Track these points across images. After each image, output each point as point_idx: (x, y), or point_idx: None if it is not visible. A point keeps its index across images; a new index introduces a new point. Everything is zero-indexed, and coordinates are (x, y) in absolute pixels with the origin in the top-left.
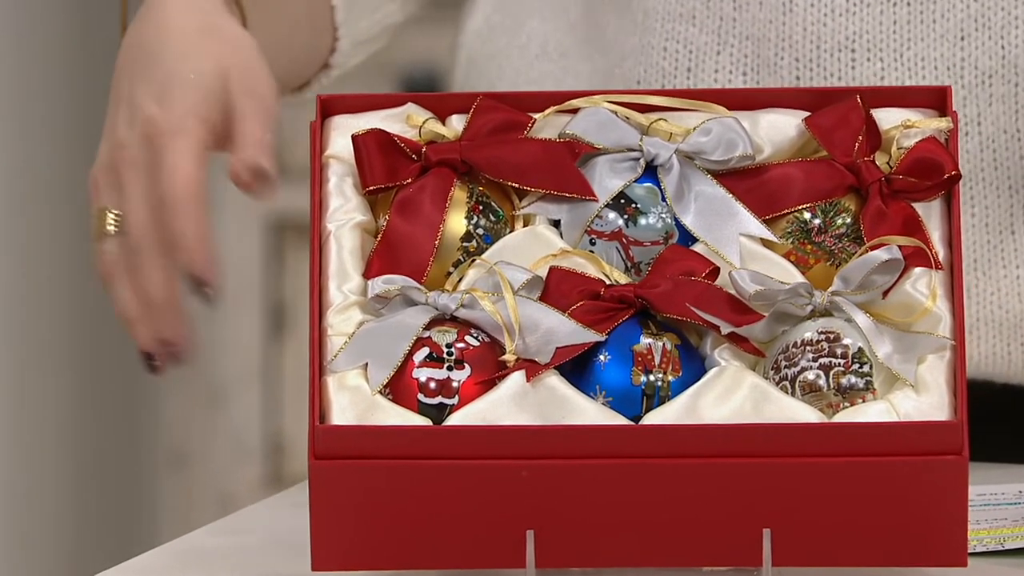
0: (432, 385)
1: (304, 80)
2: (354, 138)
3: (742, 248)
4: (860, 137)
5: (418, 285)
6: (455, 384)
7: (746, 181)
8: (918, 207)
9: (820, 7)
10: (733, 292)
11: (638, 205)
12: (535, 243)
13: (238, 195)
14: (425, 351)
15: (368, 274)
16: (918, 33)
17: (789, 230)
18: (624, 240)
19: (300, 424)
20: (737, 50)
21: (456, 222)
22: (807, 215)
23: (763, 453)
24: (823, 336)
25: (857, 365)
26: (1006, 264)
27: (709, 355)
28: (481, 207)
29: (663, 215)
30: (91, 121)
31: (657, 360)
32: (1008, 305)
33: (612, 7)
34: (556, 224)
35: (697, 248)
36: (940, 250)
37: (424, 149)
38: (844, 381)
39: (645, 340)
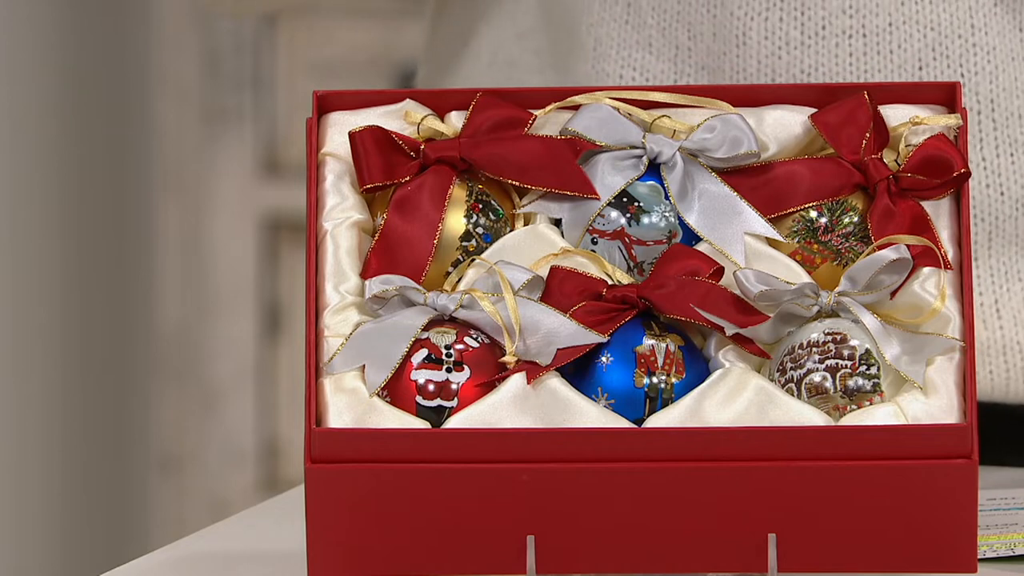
0: (431, 387)
1: None
2: (351, 135)
3: (747, 247)
4: (867, 134)
5: (416, 285)
6: (454, 386)
7: (751, 179)
8: (927, 205)
9: (774, 40)
10: (738, 292)
11: (641, 204)
12: (536, 242)
13: (231, 192)
14: (423, 353)
15: (365, 274)
16: (875, 64)
17: (795, 229)
18: (627, 239)
19: (295, 427)
20: (693, 80)
21: (455, 221)
22: (813, 214)
23: (768, 457)
24: (830, 337)
25: (864, 367)
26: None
27: (713, 357)
28: (481, 206)
29: (666, 214)
30: (85, 120)
31: (660, 362)
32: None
33: (561, 27)
34: (557, 223)
35: (701, 247)
36: (949, 249)
37: (422, 146)
38: (851, 383)
39: (648, 341)
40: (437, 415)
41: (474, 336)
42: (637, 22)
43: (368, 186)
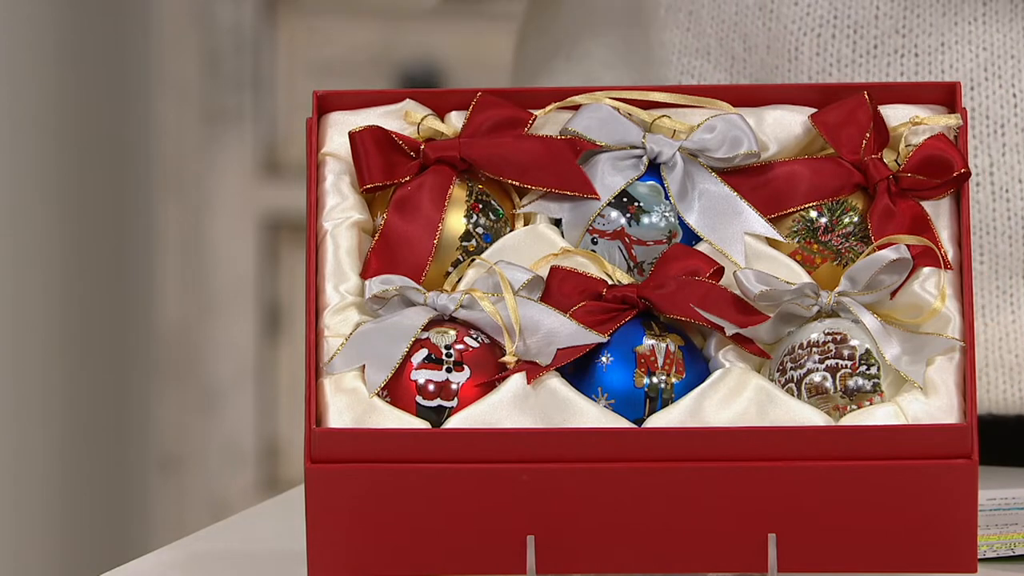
0: (431, 387)
1: None
2: (351, 135)
3: (747, 247)
4: (867, 134)
5: (416, 285)
6: (454, 386)
7: (751, 179)
8: (927, 205)
9: (825, 56)
10: (738, 292)
11: (641, 204)
12: (536, 242)
13: (231, 192)
14: (423, 353)
15: (365, 274)
16: None
17: (795, 229)
18: (627, 239)
19: (295, 427)
20: None
21: (455, 221)
22: (813, 214)
23: (768, 457)
24: (830, 337)
25: (864, 367)
26: (1015, 309)
27: (713, 357)
28: (481, 206)
29: (666, 214)
30: (85, 120)
31: (660, 362)
32: (1017, 349)
33: (635, 25)
34: (557, 223)
35: (701, 247)
36: (949, 249)
37: (422, 146)
38: (851, 383)
39: (648, 341)
40: (437, 415)
41: (474, 336)
42: (697, 30)
43: (368, 186)
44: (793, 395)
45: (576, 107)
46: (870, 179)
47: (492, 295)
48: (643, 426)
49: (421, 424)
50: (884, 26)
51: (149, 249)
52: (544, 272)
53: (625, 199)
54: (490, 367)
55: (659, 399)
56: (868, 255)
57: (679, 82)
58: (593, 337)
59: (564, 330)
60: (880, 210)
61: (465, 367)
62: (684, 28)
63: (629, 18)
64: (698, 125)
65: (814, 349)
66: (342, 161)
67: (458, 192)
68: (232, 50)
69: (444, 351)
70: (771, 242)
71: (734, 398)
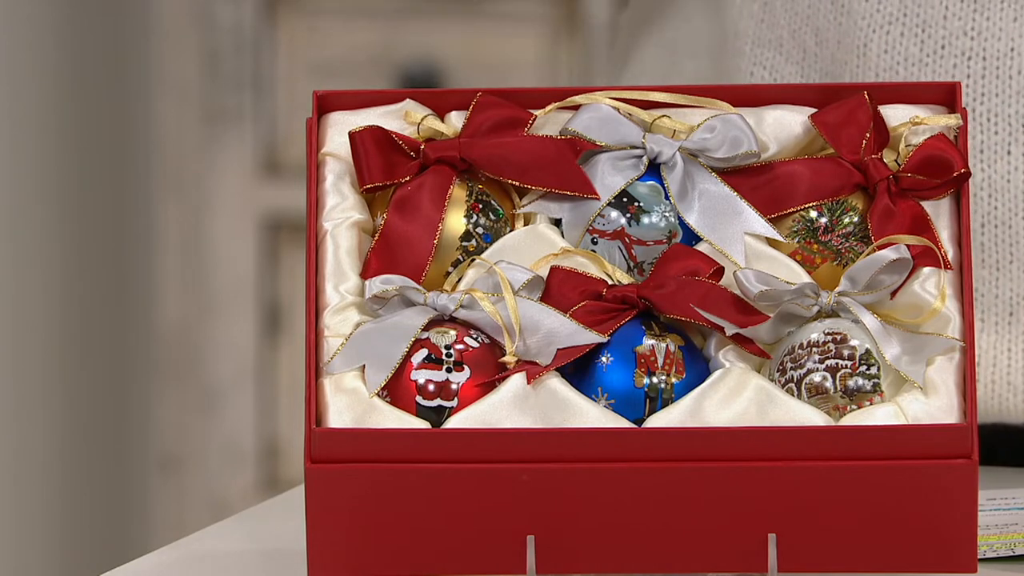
0: (431, 387)
1: None
2: (351, 135)
3: (747, 247)
4: (867, 134)
5: (416, 285)
6: (454, 386)
7: (751, 179)
8: (927, 206)
9: (893, 54)
10: (738, 292)
11: (641, 204)
12: (536, 242)
13: (231, 192)
14: (424, 353)
15: (365, 274)
16: (992, 88)
17: (795, 229)
18: (627, 239)
19: (295, 427)
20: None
21: (455, 221)
22: (813, 214)
23: (768, 457)
24: (830, 337)
25: (864, 367)
26: None
27: (713, 357)
28: (481, 206)
29: (666, 214)
30: (85, 120)
31: (660, 362)
32: None
33: (715, 15)
34: (557, 223)
35: (701, 247)
36: (949, 249)
37: (422, 146)
38: (851, 383)
39: (648, 341)
40: (437, 415)
41: (474, 336)
42: (771, 21)
43: (368, 186)
44: (793, 395)
45: (576, 107)
46: (870, 179)
47: (492, 295)
48: (643, 426)
49: (421, 424)
50: (952, 27)
51: (149, 249)
52: (544, 272)
53: (625, 199)
54: (490, 367)
55: (659, 399)
56: (868, 255)
57: (751, 74)
58: (593, 337)
59: (564, 330)
60: (880, 210)
61: (465, 367)
62: (758, 19)
63: (710, 8)
64: (698, 125)
65: (814, 349)
66: (342, 161)
67: (458, 192)
68: (232, 50)
69: (444, 351)
70: (771, 242)
71: (734, 398)
